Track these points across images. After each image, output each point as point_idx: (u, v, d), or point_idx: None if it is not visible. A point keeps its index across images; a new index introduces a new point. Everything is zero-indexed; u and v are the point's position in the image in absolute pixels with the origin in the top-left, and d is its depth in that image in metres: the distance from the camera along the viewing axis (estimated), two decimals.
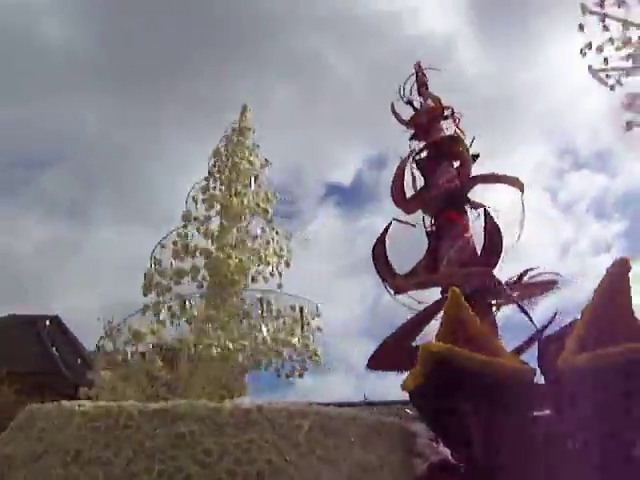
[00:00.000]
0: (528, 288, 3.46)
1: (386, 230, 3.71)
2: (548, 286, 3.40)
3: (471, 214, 3.82)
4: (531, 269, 3.54)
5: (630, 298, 2.06)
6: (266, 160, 4.53)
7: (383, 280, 3.54)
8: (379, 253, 3.54)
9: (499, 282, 3.39)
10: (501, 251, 3.45)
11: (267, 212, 4.20)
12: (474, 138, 4.33)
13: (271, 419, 1.69)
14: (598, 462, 1.88)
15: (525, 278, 3.48)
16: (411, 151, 4.33)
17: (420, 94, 4.80)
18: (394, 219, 3.83)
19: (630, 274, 2.05)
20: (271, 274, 4.01)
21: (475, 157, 4.26)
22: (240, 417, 1.70)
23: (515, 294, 3.42)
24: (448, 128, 4.55)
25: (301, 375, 3.45)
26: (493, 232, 3.53)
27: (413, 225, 3.82)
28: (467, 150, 4.22)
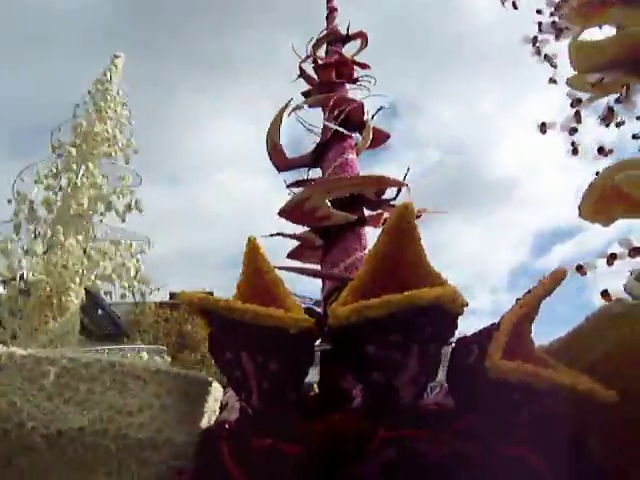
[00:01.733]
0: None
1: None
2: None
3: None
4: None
5: (418, 245, 1.87)
6: (129, 111, 4.96)
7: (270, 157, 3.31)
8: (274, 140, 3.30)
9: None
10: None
11: (128, 156, 4.64)
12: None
13: (19, 364, 1.71)
14: (372, 411, 1.82)
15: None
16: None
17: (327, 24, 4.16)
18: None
19: (416, 219, 1.86)
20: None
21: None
22: None
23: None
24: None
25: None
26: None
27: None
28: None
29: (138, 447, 1.77)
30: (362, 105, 3.49)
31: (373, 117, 3.52)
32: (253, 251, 2.09)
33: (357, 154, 3.37)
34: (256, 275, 2.10)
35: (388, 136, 3.70)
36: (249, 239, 2.10)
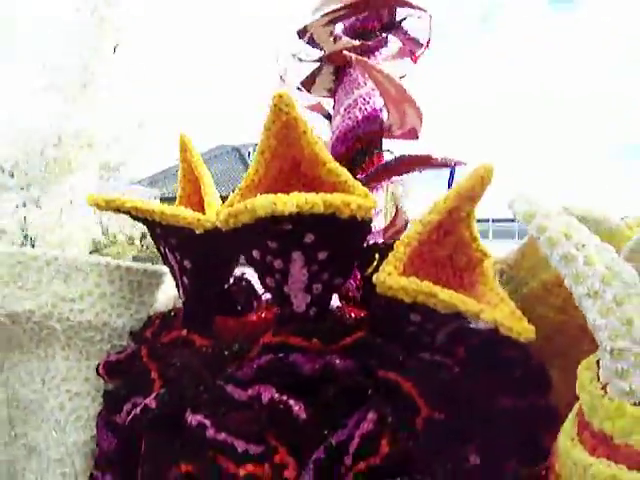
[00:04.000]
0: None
1: None
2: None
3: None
4: None
5: (307, 137, 1.60)
6: None
7: None
8: None
9: None
10: None
11: None
12: None
13: None
14: (277, 317, 1.80)
15: None
16: None
17: None
18: None
19: (298, 107, 1.58)
20: None
21: None
22: None
23: None
24: None
25: None
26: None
27: None
28: None
29: (81, 328, 2.02)
30: None
31: None
32: (185, 148, 2.04)
33: None
34: (190, 171, 2.06)
35: None
36: (180, 137, 2.04)
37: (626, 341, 0.87)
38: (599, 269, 0.93)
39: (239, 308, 1.99)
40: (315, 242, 1.59)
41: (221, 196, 2.00)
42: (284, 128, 1.60)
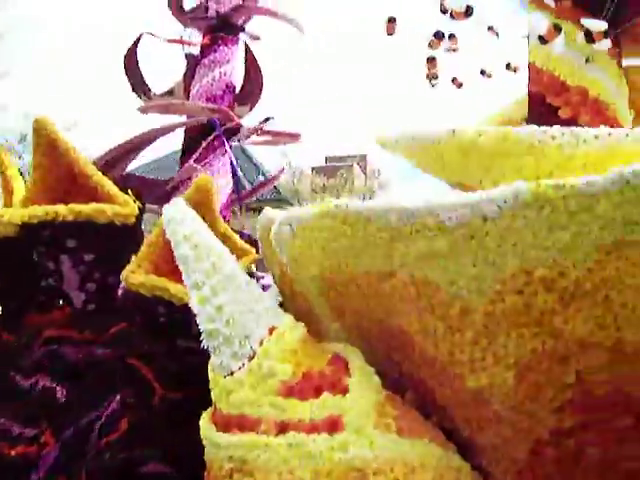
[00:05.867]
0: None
1: (136, 43, 3.17)
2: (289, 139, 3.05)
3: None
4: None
5: (68, 157, 1.78)
6: None
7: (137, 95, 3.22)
8: (130, 65, 3.13)
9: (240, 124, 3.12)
10: (259, 92, 3.14)
11: None
12: None
13: None
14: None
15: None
16: None
17: None
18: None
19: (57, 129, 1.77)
20: None
21: None
22: None
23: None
24: None
25: None
26: (252, 68, 3.08)
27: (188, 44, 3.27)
28: None
29: None
30: None
31: None
32: (2, 162, 2.23)
33: None
34: (8, 181, 2.24)
35: None
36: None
37: (216, 324, 1.05)
38: (205, 265, 1.11)
39: (47, 305, 2.18)
40: (78, 246, 1.79)
41: None
42: (49, 147, 1.79)
